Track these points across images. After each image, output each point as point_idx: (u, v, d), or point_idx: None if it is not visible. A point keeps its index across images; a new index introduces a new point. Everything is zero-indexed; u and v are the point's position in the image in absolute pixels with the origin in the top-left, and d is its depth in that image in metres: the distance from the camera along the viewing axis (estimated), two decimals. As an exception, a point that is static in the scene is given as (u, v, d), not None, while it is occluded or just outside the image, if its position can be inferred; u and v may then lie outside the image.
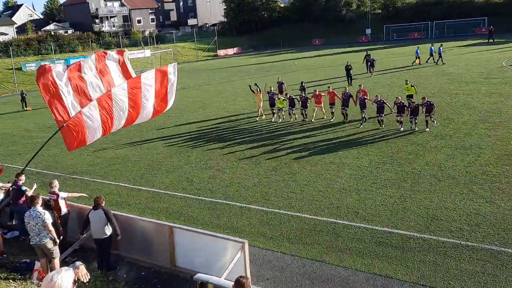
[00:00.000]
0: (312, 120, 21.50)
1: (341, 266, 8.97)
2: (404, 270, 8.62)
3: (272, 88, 22.93)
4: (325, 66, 46.02)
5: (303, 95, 22.21)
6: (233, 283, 4.88)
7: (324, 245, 9.83)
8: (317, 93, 21.75)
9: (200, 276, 6.75)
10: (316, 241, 10.06)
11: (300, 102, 21.63)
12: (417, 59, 39.72)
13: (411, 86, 22.06)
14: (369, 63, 35.48)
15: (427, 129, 18.10)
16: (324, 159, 15.75)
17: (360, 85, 22.00)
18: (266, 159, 16.30)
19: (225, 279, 7.39)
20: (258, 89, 22.88)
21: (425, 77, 32.62)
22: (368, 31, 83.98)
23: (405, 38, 78.06)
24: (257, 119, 22.99)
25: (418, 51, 40.05)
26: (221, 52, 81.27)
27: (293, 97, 21.96)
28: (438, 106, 22.37)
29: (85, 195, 11.86)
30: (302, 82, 24.96)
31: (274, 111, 22.30)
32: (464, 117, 19.77)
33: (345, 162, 15.24)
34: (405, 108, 18.58)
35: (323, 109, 21.81)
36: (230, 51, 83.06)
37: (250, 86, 24.02)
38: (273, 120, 22.27)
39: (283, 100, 21.87)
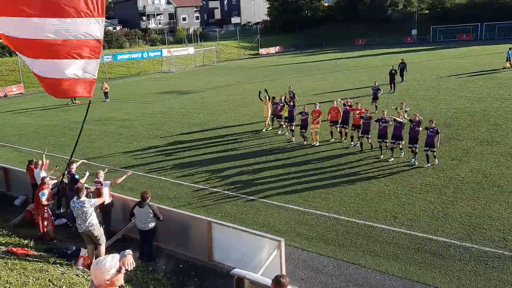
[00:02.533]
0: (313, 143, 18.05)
1: (378, 270, 8.90)
2: (443, 278, 8.46)
3: (283, 97, 20.21)
4: (368, 67, 45.29)
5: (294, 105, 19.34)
6: (269, 280, 4.95)
7: (361, 248, 9.78)
8: (317, 108, 17.89)
9: (237, 271, 6.89)
10: (353, 243, 10.02)
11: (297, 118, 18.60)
12: (508, 61, 36.44)
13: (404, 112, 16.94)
14: (394, 79, 29.27)
15: (428, 164, 14.61)
16: (363, 161, 15.58)
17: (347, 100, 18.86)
18: (304, 159, 16.30)
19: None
20: (267, 97, 20.81)
21: (473, 81, 31.53)
22: (414, 31, 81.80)
23: (452, 39, 75.55)
24: (263, 130, 20.93)
25: (510, 52, 36.73)
26: (263, 51, 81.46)
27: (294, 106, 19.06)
28: (485, 110, 21.64)
29: (130, 172, 11.73)
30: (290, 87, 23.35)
31: (281, 122, 20.04)
32: (513, 124, 19.02)
33: (384, 165, 15.02)
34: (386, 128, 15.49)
35: (317, 135, 17.92)
36: (272, 49, 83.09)
37: (259, 92, 21.75)
38: (279, 132, 20.20)
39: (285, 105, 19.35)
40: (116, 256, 3.70)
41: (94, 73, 9.68)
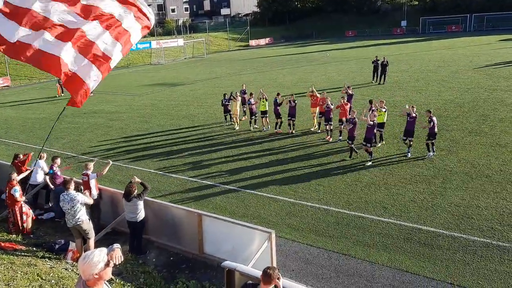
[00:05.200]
0: (312, 129, 18.94)
1: (368, 260, 8.95)
2: (432, 267, 8.53)
3: (252, 95, 20.37)
4: (358, 58, 45.33)
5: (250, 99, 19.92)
6: (259, 272, 4.95)
7: (351, 239, 9.82)
8: (315, 94, 18.73)
9: (228, 263, 6.86)
10: (343, 234, 10.06)
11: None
12: None
13: (383, 110, 16.38)
14: (378, 71, 29.75)
15: (431, 154, 14.73)
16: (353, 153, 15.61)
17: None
18: (294, 151, 16.31)
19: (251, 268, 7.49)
20: (235, 97, 20.34)
21: (462, 71, 31.74)
22: (404, 23, 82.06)
23: (442, 31, 75.93)
24: (236, 127, 20.21)
25: None
26: (253, 42, 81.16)
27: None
28: (474, 101, 21.80)
29: (110, 162, 11.48)
30: (243, 85, 22.48)
31: (255, 119, 19.90)
32: (500, 114, 19.18)
33: (374, 156, 15.05)
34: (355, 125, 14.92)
35: (315, 118, 18.92)
36: (262, 41, 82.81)
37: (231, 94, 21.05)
38: (252, 128, 19.81)
39: (263, 100, 19.40)
40: (104, 250, 3.66)
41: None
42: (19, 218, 10.32)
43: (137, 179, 9.74)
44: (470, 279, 8.07)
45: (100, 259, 3.54)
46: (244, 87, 22.79)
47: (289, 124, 18.72)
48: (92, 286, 3.55)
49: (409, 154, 14.96)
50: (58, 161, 11.75)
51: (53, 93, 34.63)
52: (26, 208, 10.54)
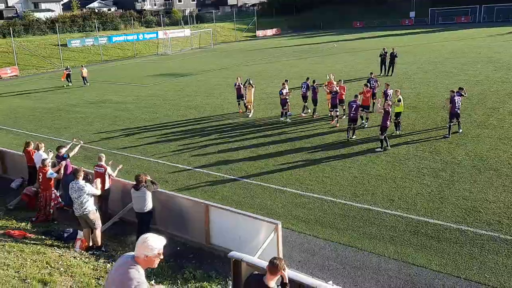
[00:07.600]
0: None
1: (374, 253, 8.95)
2: (439, 260, 8.52)
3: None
4: (366, 50, 44.97)
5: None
6: (266, 262, 4.97)
7: (357, 231, 9.83)
8: (332, 82, 19.26)
9: (234, 254, 6.90)
10: (349, 226, 10.06)
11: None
12: None
13: (398, 100, 16.18)
14: (386, 64, 29.47)
15: (460, 130, 15.96)
16: (360, 145, 15.57)
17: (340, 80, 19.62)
18: (302, 142, 16.28)
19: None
20: (250, 84, 20.68)
21: (471, 64, 31.42)
22: (412, 14, 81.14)
23: (451, 22, 75.06)
24: (250, 115, 20.65)
25: None
26: (260, 33, 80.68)
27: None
28: (483, 93, 21.61)
29: (120, 165, 11.65)
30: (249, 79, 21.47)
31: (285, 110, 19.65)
32: (510, 107, 19.00)
33: (382, 149, 14.99)
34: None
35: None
36: (269, 32, 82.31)
37: (246, 81, 21.31)
38: (283, 119, 19.57)
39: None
40: (163, 241, 4.00)
41: None
42: (45, 204, 10.55)
43: (148, 177, 9.74)
44: (477, 273, 8.06)
45: (156, 246, 3.90)
46: (239, 80, 21.54)
47: (314, 110, 19.70)
48: (138, 261, 3.91)
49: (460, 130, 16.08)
50: (63, 150, 11.76)
51: (61, 83, 34.69)
52: (55, 195, 10.86)
